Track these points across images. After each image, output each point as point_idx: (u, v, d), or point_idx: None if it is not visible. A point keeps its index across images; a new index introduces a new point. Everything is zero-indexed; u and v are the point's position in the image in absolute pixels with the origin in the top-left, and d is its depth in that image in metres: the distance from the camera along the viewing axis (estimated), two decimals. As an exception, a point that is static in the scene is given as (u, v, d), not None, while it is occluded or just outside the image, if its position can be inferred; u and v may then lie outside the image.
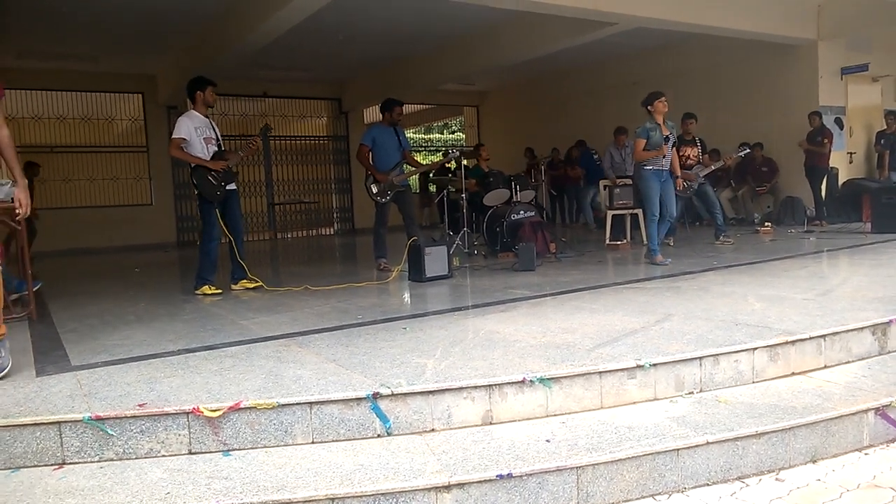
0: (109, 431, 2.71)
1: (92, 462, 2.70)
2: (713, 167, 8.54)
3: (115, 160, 13.17)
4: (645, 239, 7.29)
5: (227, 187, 5.95)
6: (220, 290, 5.96)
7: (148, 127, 13.37)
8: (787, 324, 3.83)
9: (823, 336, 3.67)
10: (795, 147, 10.47)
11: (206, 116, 5.99)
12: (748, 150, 9.66)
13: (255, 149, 6.45)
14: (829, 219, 10.41)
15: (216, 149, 5.94)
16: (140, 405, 2.81)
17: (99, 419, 2.72)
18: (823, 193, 10.56)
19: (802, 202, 10.87)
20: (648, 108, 6.79)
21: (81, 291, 6.67)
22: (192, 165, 5.84)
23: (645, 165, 6.76)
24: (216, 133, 6.03)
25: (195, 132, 5.83)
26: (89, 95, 12.85)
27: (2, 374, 3.30)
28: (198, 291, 5.94)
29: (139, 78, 12.97)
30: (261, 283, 6.21)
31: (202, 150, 5.85)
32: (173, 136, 5.82)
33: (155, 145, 13.21)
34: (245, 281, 6.19)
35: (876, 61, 11.24)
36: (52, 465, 2.69)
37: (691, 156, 8.30)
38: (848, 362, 3.72)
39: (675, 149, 7.17)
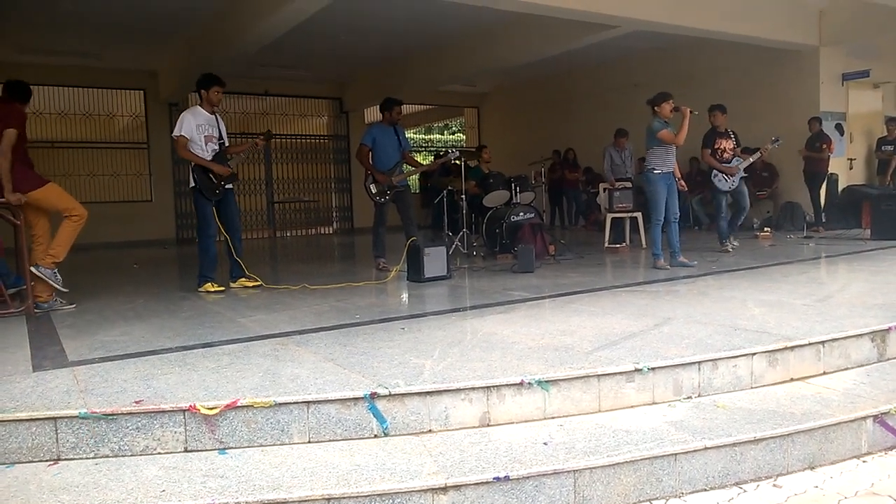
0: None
1: (87, 458, 2.69)
2: (752, 160, 8.27)
3: (115, 156, 13.18)
4: (644, 243, 7.26)
5: (226, 186, 5.95)
6: (222, 287, 5.96)
7: (149, 123, 13.38)
8: (786, 329, 3.82)
9: (822, 342, 3.66)
10: (796, 153, 10.44)
11: (213, 113, 5.95)
12: (781, 142, 9.31)
13: (257, 148, 6.46)
14: (828, 225, 10.40)
15: (216, 148, 5.91)
16: (136, 402, 2.79)
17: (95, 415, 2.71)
18: (823, 200, 10.54)
19: (802, 208, 10.86)
20: (655, 108, 6.73)
21: (79, 287, 6.62)
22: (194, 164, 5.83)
23: (654, 169, 6.70)
24: (220, 131, 5.99)
25: (196, 129, 5.79)
26: (90, 91, 12.85)
27: None
28: (201, 289, 5.93)
29: (141, 74, 12.97)
30: (260, 283, 6.21)
31: (201, 148, 5.82)
32: (177, 135, 5.76)
33: (156, 142, 13.22)
34: (244, 279, 6.20)
35: (877, 68, 11.22)
36: (47, 460, 2.67)
37: (727, 148, 8.06)
38: (847, 369, 3.71)
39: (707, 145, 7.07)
